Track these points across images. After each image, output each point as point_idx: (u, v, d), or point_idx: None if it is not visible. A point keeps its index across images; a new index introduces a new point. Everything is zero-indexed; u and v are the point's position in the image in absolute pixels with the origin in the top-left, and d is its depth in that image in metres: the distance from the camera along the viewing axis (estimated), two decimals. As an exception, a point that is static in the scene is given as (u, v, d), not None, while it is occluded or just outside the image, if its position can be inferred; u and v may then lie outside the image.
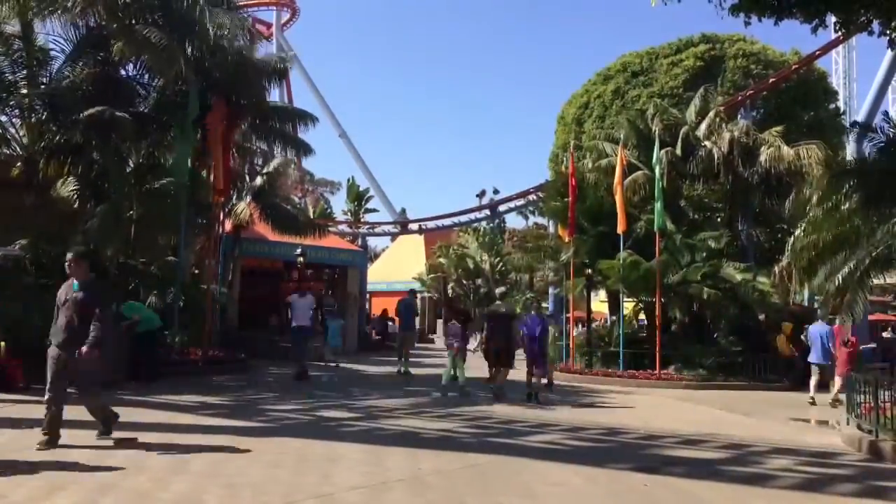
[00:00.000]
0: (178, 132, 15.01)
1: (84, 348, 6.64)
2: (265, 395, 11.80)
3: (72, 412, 7.09)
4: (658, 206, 16.45)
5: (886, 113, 17.86)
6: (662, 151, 17.70)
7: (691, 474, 6.53)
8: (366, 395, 12.25)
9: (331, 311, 23.03)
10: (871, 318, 24.62)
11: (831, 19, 8.33)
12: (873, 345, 20.73)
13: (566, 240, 19.24)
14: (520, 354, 12.59)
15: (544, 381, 13.07)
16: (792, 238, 13.49)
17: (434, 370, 15.72)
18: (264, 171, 20.71)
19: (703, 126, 20.20)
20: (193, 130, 15.29)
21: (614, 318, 21.66)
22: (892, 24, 8.45)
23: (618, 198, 17.07)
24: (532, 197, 38.71)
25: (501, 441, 8.05)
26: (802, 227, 12.57)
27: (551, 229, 28.01)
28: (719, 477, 6.48)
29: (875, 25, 8.38)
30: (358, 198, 56.91)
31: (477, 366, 14.13)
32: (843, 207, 11.02)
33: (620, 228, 16.96)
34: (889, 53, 24.65)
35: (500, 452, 7.24)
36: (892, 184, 10.25)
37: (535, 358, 12.09)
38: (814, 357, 13.27)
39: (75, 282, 7.07)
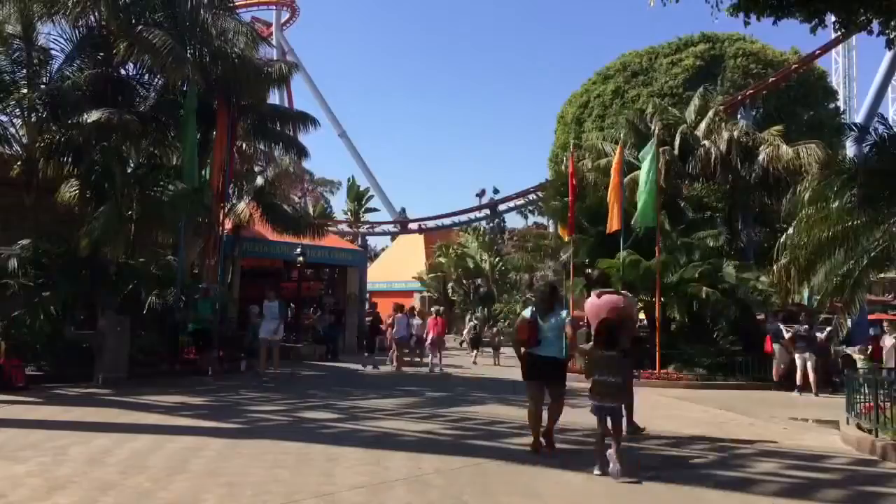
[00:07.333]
0: (184, 134, 15.06)
1: None
2: (267, 396, 11.80)
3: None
4: (643, 200, 16.09)
5: (881, 114, 17.85)
6: (661, 150, 17.65)
7: (692, 474, 6.54)
8: (365, 394, 12.30)
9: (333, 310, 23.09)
10: (870, 317, 24.56)
11: (830, 19, 8.32)
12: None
13: (566, 239, 19.24)
14: None
15: None
16: (784, 237, 13.51)
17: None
18: (265, 171, 20.74)
19: (703, 125, 20.22)
20: (194, 131, 15.31)
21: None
22: (892, 23, 8.45)
23: (611, 197, 17.02)
24: (532, 196, 38.78)
25: (492, 443, 8.02)
26: (795, 227, 12.59)
27: (551, 229, 28.05)
28: (720, 477, 6.48)
29: (875, 25, 8.37)
30: (358, 197, 56.91)
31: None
32: (833, 206, 11.05)
33: (611, 228, 16.85)
34: (889, 53, 24.66)
35: (495, 453, 7.21)
36: (887, 184, 10.27)
37: None
38: None
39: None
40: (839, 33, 13.91)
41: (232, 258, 20.49)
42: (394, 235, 54.54)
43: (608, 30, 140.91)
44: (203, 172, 16.70)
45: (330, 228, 33.95)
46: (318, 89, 60.76)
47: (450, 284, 41.95)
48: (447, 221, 48.47)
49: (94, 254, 13.27)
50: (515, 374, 13.92)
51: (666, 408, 12.02)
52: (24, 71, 14.85)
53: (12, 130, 14.93)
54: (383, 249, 59.40)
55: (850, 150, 23.02)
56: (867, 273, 11.25)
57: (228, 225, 19.38)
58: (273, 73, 17.18)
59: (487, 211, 47.68)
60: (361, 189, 58.01)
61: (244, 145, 19.64)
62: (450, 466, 6.50)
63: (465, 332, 28.78)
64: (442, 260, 42.86)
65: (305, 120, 19.09)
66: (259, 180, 20.42)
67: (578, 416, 10.28)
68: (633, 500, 5.68)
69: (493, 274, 41.24)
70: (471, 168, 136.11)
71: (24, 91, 14.61)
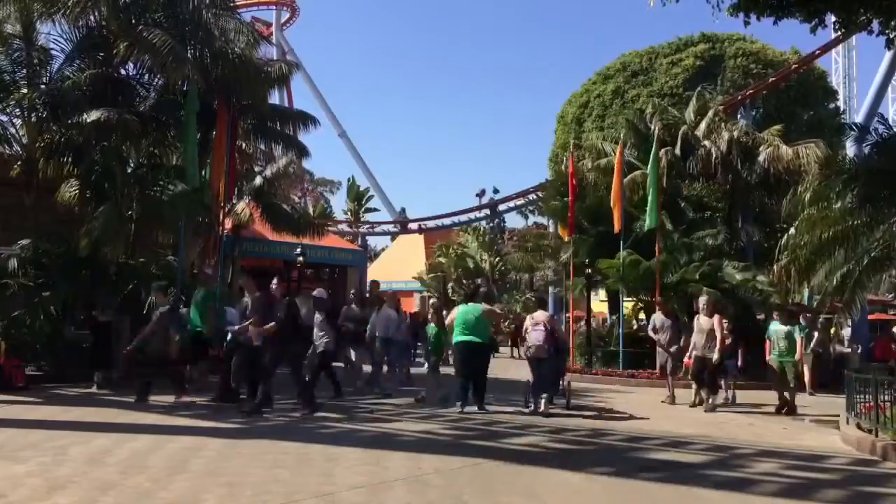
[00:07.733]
0: (185, 134, 15.02)
1: None
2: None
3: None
4: (650, 204, 16.36)
5: (881, 114, 17.84)
6: (661, 151, 17.71)
7: (691, 474, 6.54)
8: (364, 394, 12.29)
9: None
10: (870, 317, 24.54)
11: (830, 19, 8.33)
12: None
13: (566, 239, 19.25)
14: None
15: None
16: (785, 237, 13.54)
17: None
18: (264, 171, 20.73)
19: (703, 126, 20.23)
20: (194, 131, 15.29)
21: (614, 317, 21.66)
22: (892, 23, 8.45)
23: (613, 197, 17.07)
24: (532, 196, 38.75)
25: (492, 443, 8.01)
26: (795, 227, 12.62)
27: (551, 229, 28.03)
28: (719, 477, 6.49)
29: (875, 25, 8.38)
30: (358, 197, 56.98)
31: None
32: (835, 206, 11.07)
33: (617, 228, 16.97)
34: (889, 53, 24.63)
35: (495, 453, 7.22)
36: (887, 184, 10.29)
37: None
38: None
39: None
40: (839, 33, 13.92)
41: (232, 258, 20.48)
42: (394, 235, 54.53)
43: (608, 30, 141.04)
44: (203, 172, 16.68)
45: (330, 228, 33.95)
46: (318, 89, 60.78)
47: (450, 284, 41.96)
48: (447, 221, 48.46)
49: (94, 254, 13.25)
50: (514, 373, 13.96)
51: (666, 408, 12.05)
52: (24, 71, 14.81)
53: (12, 130, 14.91)
54: (383, 249, 59.43)
55: (850, 150, 22.98)
56: (867, 273, 11.26)
57: (228, 225, 19.38)
58: (273, 72, 17.15)
59: (487, 211, 47.67)
60: (361, 189, 58.08)
61: (244, 145, 19.62)
62: (449, 466, 6.49)
63: None
64: (442, 260, 42.89)
65: (305, 119, 19.08)
66: (258, 180, 20.43)
67: (584, 419, 10.31)
68: (632, 500, 5.68)
69: (493, 274, 41.27)
70: (471, 168, 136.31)
71: (24, 91, 14.58)
